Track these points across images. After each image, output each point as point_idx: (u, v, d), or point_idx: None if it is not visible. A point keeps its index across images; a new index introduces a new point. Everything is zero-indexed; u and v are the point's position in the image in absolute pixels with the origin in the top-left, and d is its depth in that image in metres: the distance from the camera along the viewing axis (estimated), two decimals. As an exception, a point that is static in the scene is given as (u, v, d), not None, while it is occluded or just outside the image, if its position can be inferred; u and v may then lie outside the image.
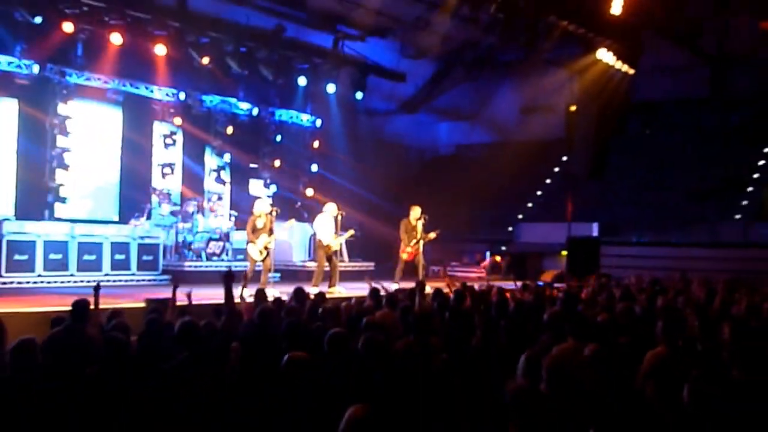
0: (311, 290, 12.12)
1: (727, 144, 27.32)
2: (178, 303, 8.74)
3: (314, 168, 23.49)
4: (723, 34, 25.96)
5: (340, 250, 17.43)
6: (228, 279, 7.05)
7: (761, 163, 25.91)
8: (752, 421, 4.88)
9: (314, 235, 17.16)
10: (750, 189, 24.97)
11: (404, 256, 17.14)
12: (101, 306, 8.22)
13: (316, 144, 23.71)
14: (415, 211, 17.12)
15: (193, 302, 9.13)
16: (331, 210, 16.31)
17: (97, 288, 8.31)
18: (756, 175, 25.52)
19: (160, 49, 17.63)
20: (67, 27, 15.84)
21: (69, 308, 8.24)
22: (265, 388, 5.91)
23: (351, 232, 17.12)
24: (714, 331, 7.48)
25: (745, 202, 24.33)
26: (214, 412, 5.62)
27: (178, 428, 5.59)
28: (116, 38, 16.67)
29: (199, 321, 7.11)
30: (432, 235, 17.20)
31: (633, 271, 18.35)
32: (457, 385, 6.18)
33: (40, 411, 5.51)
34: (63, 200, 17.24)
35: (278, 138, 22.67)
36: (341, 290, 15.14)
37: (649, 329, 7.56)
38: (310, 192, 22.71)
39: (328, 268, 15.99)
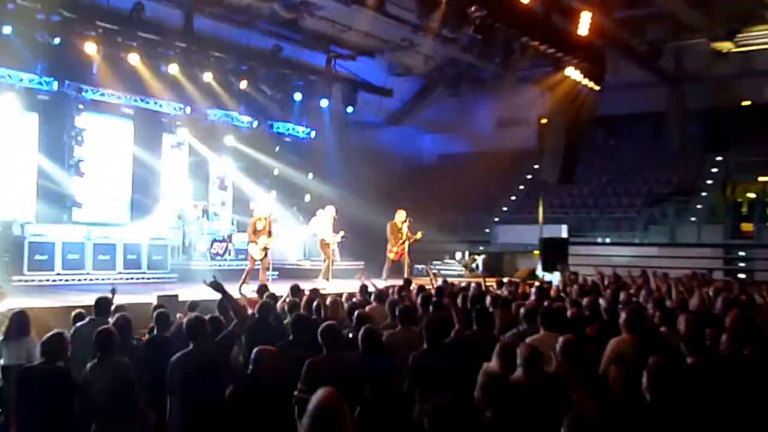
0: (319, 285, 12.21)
1: (682, 153, 27.49)
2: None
3: (309, 175, 23.54)
4: (680, 55, 26.09)
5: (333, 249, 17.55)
6: (217, 286, 7.08)
7: (714, 170, 26.06)
8: (705, 404, 4.96)
9: (315, 235, 17.33)
10: (704, 194, 25.11)
11: (391, 255, 17.20)
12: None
13: (310, 154, 23.78)
14: (401, 215, 17.18)
15: (200, 299, 9.15)
16: (329, 212, 16.56)
17: (113, 291, 8.46)
18: (709, 182, 25.67)
19: (168, 68, 17.66)
20: (90, 48, 15.86)
21: (88, 304, 8.28)
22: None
23: (341, 233, 17.20)
24: (672, 322, 7.55)
25: (699, 206, 24.44)
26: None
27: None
28: (133, 58, 16.69)
29: (206, 316, 7.16)
30: (417, 236, 17.27)
31: (598, 268, 18.44)
32: (439, 370, 6.24)
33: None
34: (79, 205, 17.26)
35: (276, 148, 22.69)
36: (325, 285, 15.14)
37: (613, 321, 7.64)
38: (306, 197, 22.78)
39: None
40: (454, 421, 4.08)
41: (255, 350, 5.64)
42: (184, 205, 19.59)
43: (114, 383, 5.96)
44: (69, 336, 6.60)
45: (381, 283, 13.17)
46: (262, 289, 10.19)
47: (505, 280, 14.58)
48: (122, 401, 5.96)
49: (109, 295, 8.11)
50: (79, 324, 7.63)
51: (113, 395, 5.91)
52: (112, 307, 8.04)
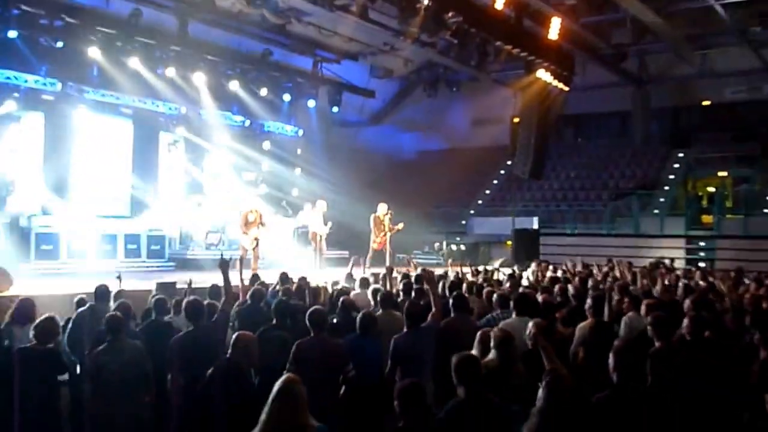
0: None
1: (646, 150, 27.68)
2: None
3: (297, 171, 23.54)
4: (643, 58, 26.24)
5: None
6: (224, 265, 7.06)
7: (675, 166, 26.27)
8: (666, 383, 5.01)
9: (305, 227, 17.40)
10: (666, 188, 25.32)
11: (374, 245, 17.21)
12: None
13: (298, 150, 23.77)
14: (382, 207, 17.19)
15: (195, 285, 9.14)
16: (320, 207, 16.64)
17: (119, 277, 8.52)
18: (671, 176, 25.88)
19: (165, 70, 17.59)
20: (91, 51, 15.75)
21: (90, 291, 8.27)
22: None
23: (329, 225, 17.21)
24: (637, 308, 7.62)
25: (662, 199, 24.64)
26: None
27: None
28: (132, 61, 16.60)
29: (203, 300, 7.17)
30: (398, 227, 17.29)
31: (568, 258, 18.55)
32: (417, 352, 6.29)
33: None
34: (82, 198, 17.17)
35: (266, 145, 22.67)
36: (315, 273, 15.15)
37: (580, 306, 7.70)
38: (294, 191, 22.77)
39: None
40: (421, 402, 4.15)
41: (234, 335, 5.67)
42: (180, 199, 19.56)
43: (128, 364, 5.97)
44: (63, 320, 6.58)
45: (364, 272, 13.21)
46: (254, 277, 10.20)
47: (480, 268, 14.61)
48: (136, 380, 5.97)
49: (107, 284, 8.10)
50: (80, 309, 7.64)
51: (127, 375, 5.91)
52: (113, 293, 8.05)
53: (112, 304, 7.45)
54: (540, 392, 4.00)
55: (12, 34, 14.90)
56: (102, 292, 7.81)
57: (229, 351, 5.50)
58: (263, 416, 3.94)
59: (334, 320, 7.17)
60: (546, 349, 4.88)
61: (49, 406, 5.96)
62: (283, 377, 4.09)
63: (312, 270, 15.29)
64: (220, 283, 7.23)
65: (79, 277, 13.16)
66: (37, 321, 6.10)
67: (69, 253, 15.47)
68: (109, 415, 5.97)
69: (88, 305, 7.74)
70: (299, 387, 4.02)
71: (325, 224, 16.99)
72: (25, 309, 7.18)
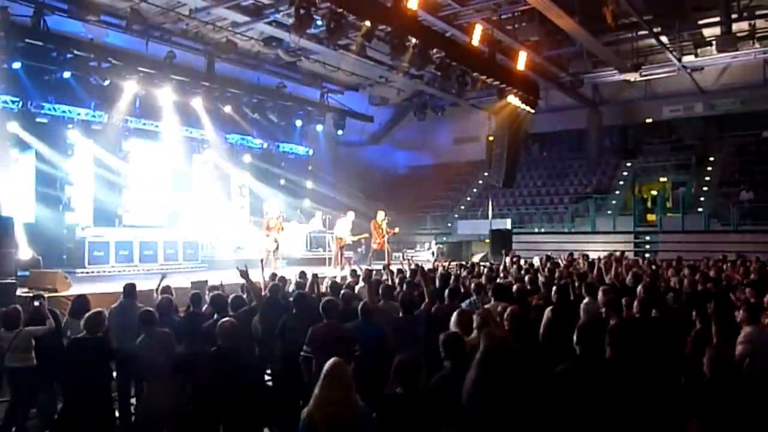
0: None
1: (600, 161, 27.70)
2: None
3: (309, 184, 23.52)
4: (596, 84, 26.25)
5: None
6: (244, 273, 7.12)
7: (624, 174, 26.30)
8: (621, 355, 5.00)
9: (334, 234, 17.47)
10: (617, 192, 25.34)
11: (374, 246, 17.21)
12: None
13: (309, 167, 23.77)
14: (380, 214, 17.18)
15: (225, 283, 9.13)
16: (350, 216, 16.72)
17: (164, 276, 8.55)
18: (621, 182, 25.90)
19: (195, 101, 17.59)
20: (131, 87, 15.76)
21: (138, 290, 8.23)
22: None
23: (365, 235, 17.36)
24: (593, 293, 7.60)
25: (614, 202, 24.65)
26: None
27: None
28: (166, 94, 16.59)
29: (229, 295, 7.16)
30: (394, 230, 17.29)
31: (536, 253, 18.55)
32: (411, 332, 6.28)
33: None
34: (127, 212, 17.14)
35: (282, 164, 22.66)
36: (336, 271, 15.12)
37: (548, 293, 7.68)
38: (306, 202, 22.76)
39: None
40: (417, 374, 4.13)
41: (219, 323, 5.66)
42: (211, 210, 19.54)
43: (160, 350, 5.93)
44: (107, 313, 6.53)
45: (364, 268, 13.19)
46: (273, 275, 10.17)
47: (463, 263, 14.60)
48: (166, 363, 5.93)
49: (135, 283, 7.97)
50: (113, 306, 7.54)
51: (159, 359, 5.87)
52: (160, 287, 8.01)
53: (157, 297, 7.42)
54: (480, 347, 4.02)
55: (66, 74, 14.94)
56: (129, 290, 7.73)
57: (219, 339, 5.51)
58: (316, 393, 3.92)
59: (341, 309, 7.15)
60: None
61: (102, 388, 5.91)
62: (331, 361, 4.03)
63: (333, 270, 15.22)
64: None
65: (126, 278, 13.12)
66: (87, 315, 6.07)
67: (117, 258, 15.43)
68: (150, 396, 5.97)
69: (118, 302, 7.64)
70: (346, 368, 4.01)
71: (353, 234, 17.12)
72: (81, 305, 7.16)
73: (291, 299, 7.27)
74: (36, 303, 7.17)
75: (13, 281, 9.52)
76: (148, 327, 6.07)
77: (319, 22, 12.05)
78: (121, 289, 7.75)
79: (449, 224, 26.68)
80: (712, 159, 24.71)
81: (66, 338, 6.59)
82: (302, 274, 10.01)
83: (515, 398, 3.97)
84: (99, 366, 5.81)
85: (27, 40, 13.47)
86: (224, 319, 5.73)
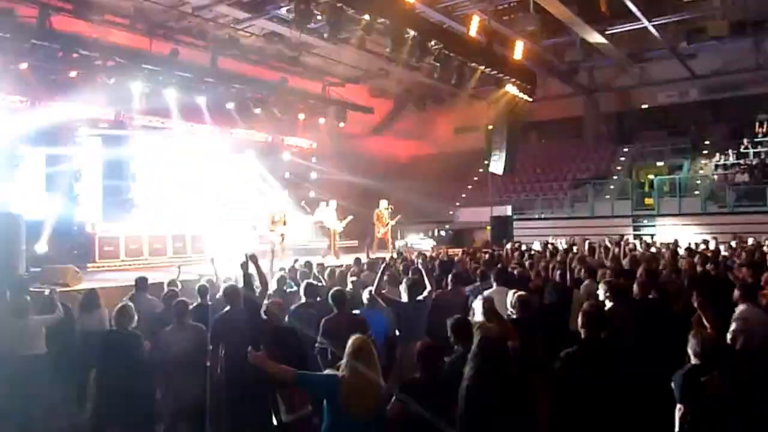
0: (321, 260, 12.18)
1: (597, 147, 27.62)
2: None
3: (313, 176, 23.50)
4: (592, 71, 26.18)
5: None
6: (253, 258, 7.07)
7: (622, 159, 26.24)
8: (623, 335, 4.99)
9: (321, 222, 17.34)
10: (615, 177, 25.28)
11: (378, 235, 17.21)
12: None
13: (313, 159, 23.71)
14: (383, 203, 17.20)
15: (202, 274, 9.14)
16: (332, 205, 16.57)
17: (179, 268, 8.50)
18: (619, 168, 25.83)
19: (199, 98, 17.54)
20: (135, 87, 15.71)
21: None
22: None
23: (350, 218, 17.19)
24: (593, 276, 7.60)
25: (612, 187, 24.60)
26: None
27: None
28: (171, 93, 16.54)
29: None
30: (397, 219, 17.29)
31: (536, 239, 18.53)
32: (416, 316, 6.27)
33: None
34: (136, 207, 17.12)
35: (286, 156, 22.62)
36: (333, 260, 15.09)
37: (548, 276, 7.68)
38: (311, 193, 22.73)
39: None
40: (437, 360, 4.10)
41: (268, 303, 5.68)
42: (218, 202, 19.55)
43: (192, 341, 5.95)
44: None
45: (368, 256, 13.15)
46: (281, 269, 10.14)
47: (465, 249, 14.58)
48: (198, 354, 5.93)
49: (146, 276, 7.98)
50: (125, 298, 7.51)
51: (191, 350, 5.88)
52: (166, 281, 7.99)
53: (165, 290, 7.39)
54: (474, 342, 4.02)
55: (72, 74, 14.88)
56: (141, 283, 7.72)
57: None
58: (343, 367, 3.93)
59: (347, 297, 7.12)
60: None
61: (133, 380, 5.88)
62: (354, 337, 4.03)
63: (328, 260, 15.23)
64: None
65: (136, 272, 13.15)
66: (116, 310, 6.04)
67: (127, 252, 15.41)
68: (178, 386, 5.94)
69: (129, 294, 7.64)
70: (370, 345, 4.02)
71: (341, 220, 16.89)
72: (90, 298, 7.16)
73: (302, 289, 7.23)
74: (47, 293, 7.17)
75: (26, 276, 9.52)
76: (181, 318, 6.09)
77: (319, 17, 12.00)
78: (132, 283, 7.73)
79: (450, 212, 26.65)
80: (707, 143, 24.62)
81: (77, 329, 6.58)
82: (307, 264, 10.00)
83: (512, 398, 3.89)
84: (130, 360, 5.79)
85: (33, 41, 13.39)
86: (272, 300, 5.74)
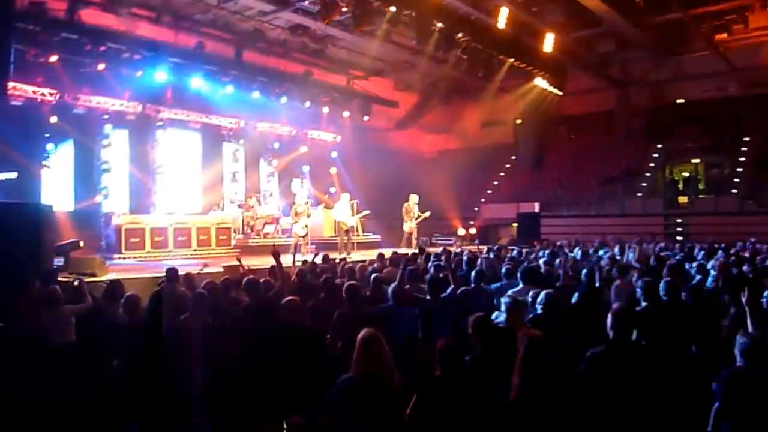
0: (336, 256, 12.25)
1: (629, 142, 27.28)
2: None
3: (333, 170, 23.62)
4: (624, 64, 25.86)
5: (356, 227, 17.49)
6: (275, 253, 7.15)
7: (655, 155, 25.87)
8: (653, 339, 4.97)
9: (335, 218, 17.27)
10: (647, 174, 24.94)
11: (406, 228, 17.21)
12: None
13: (335, 154, 23.84)
14: (414, 198, 17.17)
15: (255, 267, 9.21)
16: (345, 198, 16.42)
17: (205, 265, 8.47)
18: (651, 164, 25.48)
19: (226, 89, 17.72)
20: (163, 77, 15.94)
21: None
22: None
23: (366, 212, 17.17)
24: (624, 275, 7.55)
25: (643, 184, 24.29)
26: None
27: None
28: (197, 84, 16.75)
29: (260, 279, 7.22)
30: (425, 214, 17.27)
31: (564, 237, 18.39)
32: (439, 314, 6.30)
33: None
34: (162, 199, 17.39)
35: (305, 149, 22.76)
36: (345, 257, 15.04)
37: (578, 276, 7.65)
38: (333, 189, 22.86)
39: (347, 240, 16.05)
40: (456, 358, 4.14)
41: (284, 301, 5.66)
42: (242, 197, 19.73)
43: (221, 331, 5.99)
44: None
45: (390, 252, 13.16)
46: (303, 262, 10.24)
47: (491, 246, 14.54)
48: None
49: (177, 268, 8.12)
50: (156, 288, 7.69)
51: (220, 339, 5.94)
52: (182, 274, 8.14)
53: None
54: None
55: (100, 66, 15.15)
56: (172, 274, 7.88)
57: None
58: (356, 359, 3.94)
59: (367, 293, 7.16)
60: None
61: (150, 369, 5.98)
62: (364, 331, 4.03)
63: (341, 255, 15.22)
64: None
65: (161, 264, 13.35)
66: (123, 298, 6.16)
67: (152, 243, 15.64)
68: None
69: (160, 284, 7.81)
70: (380, 337, 4.02)
71: (355, 214, 16.80)
72: (115, 289, 7.29)
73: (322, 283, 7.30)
74: (75, 283, 7.34)
75: (55, 267, 9.75)
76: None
77: (344, 9, 12.05)
78: (157, 274, 7.88)
79: (476, 209, 26.57)
80: (747, 140, 24.17)
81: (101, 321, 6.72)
82: (326, 258, 10.09)
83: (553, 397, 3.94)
84: (145, 350, 5.88)
85: (62, 34, 13.70)
86: (289, 298, 5.73)
